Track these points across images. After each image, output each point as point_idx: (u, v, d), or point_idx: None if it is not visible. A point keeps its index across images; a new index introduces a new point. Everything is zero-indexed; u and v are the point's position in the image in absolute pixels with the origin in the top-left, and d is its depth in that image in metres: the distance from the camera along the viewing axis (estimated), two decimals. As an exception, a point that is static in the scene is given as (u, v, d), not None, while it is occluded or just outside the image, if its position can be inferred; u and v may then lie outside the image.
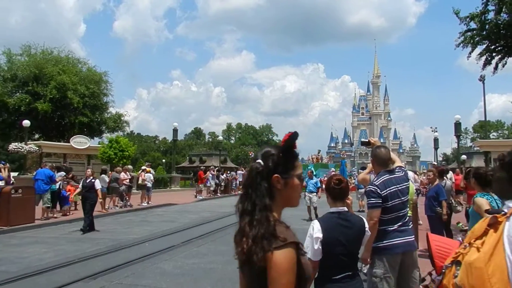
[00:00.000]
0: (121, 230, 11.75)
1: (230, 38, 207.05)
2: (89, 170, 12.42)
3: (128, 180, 17.81)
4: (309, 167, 34.72)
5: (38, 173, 13.71)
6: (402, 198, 3.60)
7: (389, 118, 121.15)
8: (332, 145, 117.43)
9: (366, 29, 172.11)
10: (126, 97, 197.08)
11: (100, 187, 12.37)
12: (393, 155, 4.01)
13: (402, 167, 3.91)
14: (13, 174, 19.69)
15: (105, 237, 10.31)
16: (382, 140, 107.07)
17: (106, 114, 32.52)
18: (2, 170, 13.04)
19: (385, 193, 3.52)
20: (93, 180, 11.74)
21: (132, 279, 6.42)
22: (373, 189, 3.56)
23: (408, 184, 3.77)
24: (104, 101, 32.03)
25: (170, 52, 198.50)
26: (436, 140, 33.69)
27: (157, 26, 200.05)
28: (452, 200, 8.00)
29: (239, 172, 32.30)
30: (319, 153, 54.14)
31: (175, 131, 31.70)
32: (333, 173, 36.66)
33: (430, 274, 4.73)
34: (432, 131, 37.34)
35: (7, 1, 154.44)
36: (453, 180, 12.34)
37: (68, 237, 10.35)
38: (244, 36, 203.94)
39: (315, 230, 2.78)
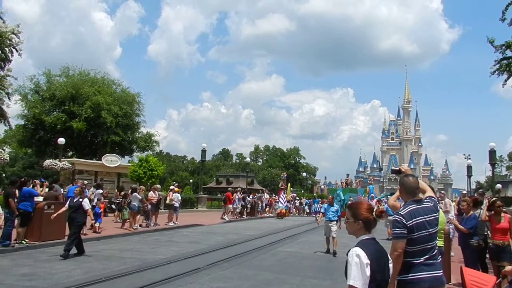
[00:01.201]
0: (147, 249, 11.84)
1: (260, 62, 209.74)
2: (77, 188, 11.33)
3: (155, 200, 18.05)
4: (337, 191, 34.35)
5: (69, 190, 14.09)
6: (430, 230, 3.45)
7: (419, 144, 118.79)
8: (361, 169, 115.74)
9: (398, 55, 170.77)
10: (157, 118, 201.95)
11: (90, 207, 11.06)
12: (425, 185, 3.90)
13: (433, 197, 3.79)
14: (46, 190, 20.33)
15: (132, 256, 10.41)
16: (412, 166, 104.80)
17: (137, 133, 33.40)
18: (38, 186, 13.47)
19: (411, 224, 3.39)
20: (80, 200, 10.63)
21: (157, 300, 6.41)
22: (398, 219, 3.44)
23: (438, 215, 3.64)
24: (136, 121, 32.98)
25: (201, 74, 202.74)
26: (469, 168, 32.65)
27: (190, 50, 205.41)
28: (488, 232, 7.67)
29: (265, 196, 32.22)
30: (348, 177, 53.42)
31: (203, 151, 32.07)
32: (360, 198, 35.97)
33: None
34: (465, 158, 36.32)
35: (50, 24, 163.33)
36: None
37: (96, 255, 10.50)
38: (274, 60, 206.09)
39: (362, 256, 2.70)
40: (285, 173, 49.47)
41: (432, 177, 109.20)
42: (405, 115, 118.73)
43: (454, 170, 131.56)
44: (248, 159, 55.13)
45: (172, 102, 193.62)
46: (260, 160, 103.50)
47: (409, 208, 3.49)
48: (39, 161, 30.09)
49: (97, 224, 14.70)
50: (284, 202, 31.02)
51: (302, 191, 65.79)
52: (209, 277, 8.32)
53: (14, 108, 28.54)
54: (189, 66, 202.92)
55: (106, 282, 7.49)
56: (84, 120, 28.20)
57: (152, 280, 7.71)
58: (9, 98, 20.25)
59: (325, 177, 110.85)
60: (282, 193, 31.83)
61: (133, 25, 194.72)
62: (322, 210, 13.60)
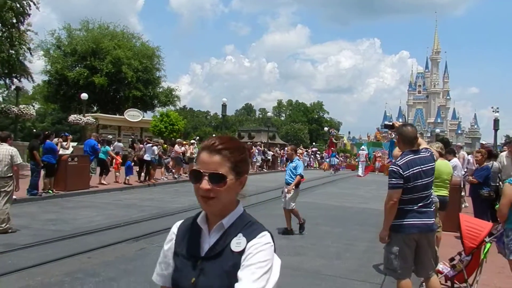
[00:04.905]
0: (167, 199, 12.32)
1: (285, 12, 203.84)
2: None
3: (180, 153, 18.53)
4: (363, 146, 34.27)
5: (85, 144, 14.81)
6: (426, 179, 3.53)
7: (448, 97, 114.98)
8: (400, 120, 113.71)
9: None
10: (180, 72, 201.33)
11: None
12: (420, 139, 3.89)
13: (428, 148, 3.81)
14: (73, 144, 21.12)
15: (151, 205, 10.88)
16: (439, 120, 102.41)
17: (158, 88, 33.60)
18: (62, 141, 13.97)
19: (408, 174, 3.46)
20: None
21: (170, 244, 6.77)
22: (395, 169, 3.52)
23: (434, 165, 3.67)
24: (157, 75, 33.07)
25: (225, 26, 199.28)
26: (496, 121, 31.60)
27: (213, 0, 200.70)
28: (500, 183, 7.59)
29: (286, 148, 32.46)
30: (378, 131, 52.80)
31: (223, 106, 32.11)
32: (384, 152, 35.67)
33: (459, 254, 4.63)
34: (493, 111, 34.99)
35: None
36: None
37: (118, 203, 11.02)
38: (299, 9, 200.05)
39: None
40: (333, 129, 49.35)
41: (459, 131, 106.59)
42: (434, 66, 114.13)
43: (483, 125, 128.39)
44: (270, 114, 54.87)
45: (195, 56, 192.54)
46: (283, 115, 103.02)
47: (406, 158, 3.55)
48: (67, 117, 31.01)
49: (128, 177, 15.16)
50: (332, 157, 31.66)
51: (325, 145, 65.64)
52: (223, 224, 8.65)
53: (38, 63, 29.10)
54: (212, 17, 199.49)
55: (124, 227, 7.93)
56: (105, 75, 28.51)
57: (168, 225, 8.00)
58: (31, 53, 20.49)
59: (349, 132, 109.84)
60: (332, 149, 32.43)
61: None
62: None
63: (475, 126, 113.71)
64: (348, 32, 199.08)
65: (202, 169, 1.25)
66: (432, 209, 3.62)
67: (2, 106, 19.70)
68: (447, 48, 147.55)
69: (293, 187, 7.51)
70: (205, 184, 1.23)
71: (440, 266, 4.44)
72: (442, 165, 5.77)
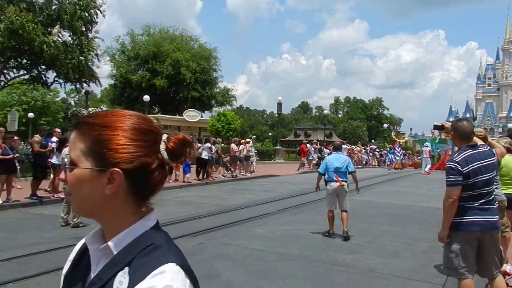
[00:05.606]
0: (224, 197, 12.59)
1: (342, 7, 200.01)
2: None
3: (237, 152, 18.87)
4: (426, 142, 32.79)
5: None
6: (487, 175, 3.33)
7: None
8: (451, 119, 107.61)
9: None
10: (237, 72, 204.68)
11: None
12: (475, 138, 3.67)
13: (485, 145, 3.60)
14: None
15: (208, 202, 11.18)
16: (511, 115, 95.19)
17: (215, 89, 34.44)
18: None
19: (467, 170, 3.29)
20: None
21: (227, 239, 6.94)
22: (453, 166, 3.34)
23: (495, 159, 3.46)
24: (214, 76, 33.93)
25: (281, 24, 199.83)
26: None
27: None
28: None
29: (344, 147, 31.81)
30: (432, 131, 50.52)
31: (279, 104, 32.25)
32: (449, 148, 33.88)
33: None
34: None
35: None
36: None
37: (176, 200, 11.44)
38: (357, 4, 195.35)
39: None
40: (398, 126, 48.23)
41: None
42: (505, 57, 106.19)
43: None
44: (326, 111, 54.22)
45: (252, 55, 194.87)
46: (341, 112, 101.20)
47: (464, 154, 3.39)
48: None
49: (188, 175, 15.71)
50: (400, 155, 30.69)
51: (386, 143, 63.60)
52: (278, 221, 8.71)
53: (105, 68, 30.99)
54: (268, 16, 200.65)
55: (183, 223, 8.23)
56: (166, 77, 29.73)
57: (224, 222, 8.28)
58: (98, 59, 21.92)
59: (411, 129, 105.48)
60: (397, 146, 31.29)
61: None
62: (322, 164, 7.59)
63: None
64: (409, 24, 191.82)
65: None
66: (495, 206, 3.42)
67: (74, 109, 21.22)
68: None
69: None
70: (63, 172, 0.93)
71: (507, 267, 4.17)
72: (511, 161, 5.39)
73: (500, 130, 78.64)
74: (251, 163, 21.75)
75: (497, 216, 3.41)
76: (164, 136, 0.90)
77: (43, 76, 20.86)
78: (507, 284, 3.77)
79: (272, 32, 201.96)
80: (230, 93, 35.06)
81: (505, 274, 4.00)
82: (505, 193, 5.08)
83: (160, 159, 0.87)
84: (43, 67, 20.30)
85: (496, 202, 3.50)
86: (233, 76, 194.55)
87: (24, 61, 19.75)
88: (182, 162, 0.90)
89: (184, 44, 31.70)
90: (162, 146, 0.88)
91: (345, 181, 7.10)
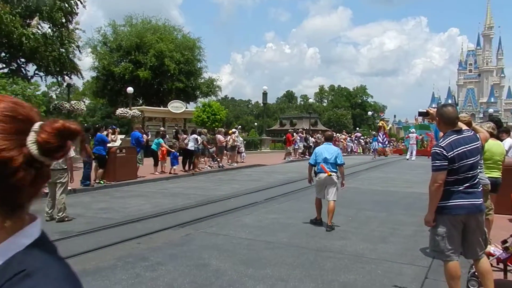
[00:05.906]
0: (211, 187, 12.57)
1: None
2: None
3: (223, 142, 18.82)
4: (410, 128, 33.20)
5: (131, 136, 15.49)
6: (472, 159, 3.39)
7: (502, 75, 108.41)
8: (433, 106, 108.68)
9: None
10: (221, 62, 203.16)
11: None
12: (459, 123, 3.71)
13: (470, 130, 3.65)
14: (121, 136, 22.01)
15: (196, 193, 11.15)
16: (492, 100, 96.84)
17: (200, 79, 34.13)
18: (110, 133, 14.60)
19: (452, 155, 3.34)
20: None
21: (215, 229, 6.95)
22: (439, 151, 3.40)
23: (479, 144, 3.51)
24: (198, 66, 33.58)
25: (264, 13, 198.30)
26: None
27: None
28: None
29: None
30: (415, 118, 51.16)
31: (264, 94, 32.20)
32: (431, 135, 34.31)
33: (512, 236, 4.41)
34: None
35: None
36: None
37: (164, 192, 11.39)
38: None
39: None
40: (383, 113, 48.47)
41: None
42: (486, 43, 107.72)
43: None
44: (312, 100, 54.33)
45: (236, 45, 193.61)
46: (326, 101, 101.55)
47: (449, 139, 3.44)
48: (114, 111, 32.34)
49: (175, 167, 15.63)
50: (384, 141, 30.99)
51: (370, 130, 64.14)
52: (266, 209, 8.75)
53: (86, 60, 30.44)
54: (251, 5, 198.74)
55: (171, 214, 8.21)
56: (149, 68, 29.33)
57: (212, 212, 8.29)
58: (80, 51, 21.46)
59: (395, 116, 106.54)
60: (381, 133, 31.48)
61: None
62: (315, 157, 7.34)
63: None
64: (392, 11, 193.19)
65: None
66: (479, 190, 3.48)
67: (56, 103, 20.80)
68: (501, 23, 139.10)
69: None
70: None
71: (491, 249, 4.26)
72: (494, 145, 5.50)
73: (481, 115, 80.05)
74: (240, 153, 21.74)
75: (481, 199, 3.48)
76: (37, 125, 0.70)
77: (23, 69, 20.39)
78: (491, 264, 3.86)
79: (256, 20, 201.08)
80: (215, 83, 34.84)
81: (489, 255, 4.09)
82: (488, 177, 5.19)
83: (28, 154, 0.68)
84: (23, 60, 19.84)
85: (480, 185, 3.57)
86: (218, 66, 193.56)
87: (3, 54, 19.27)
88: (60, 158, 0.70)
89: (167, 35, 31.26)
90: (31, 138, 0.69)
91: (335, 172, 7.05)
